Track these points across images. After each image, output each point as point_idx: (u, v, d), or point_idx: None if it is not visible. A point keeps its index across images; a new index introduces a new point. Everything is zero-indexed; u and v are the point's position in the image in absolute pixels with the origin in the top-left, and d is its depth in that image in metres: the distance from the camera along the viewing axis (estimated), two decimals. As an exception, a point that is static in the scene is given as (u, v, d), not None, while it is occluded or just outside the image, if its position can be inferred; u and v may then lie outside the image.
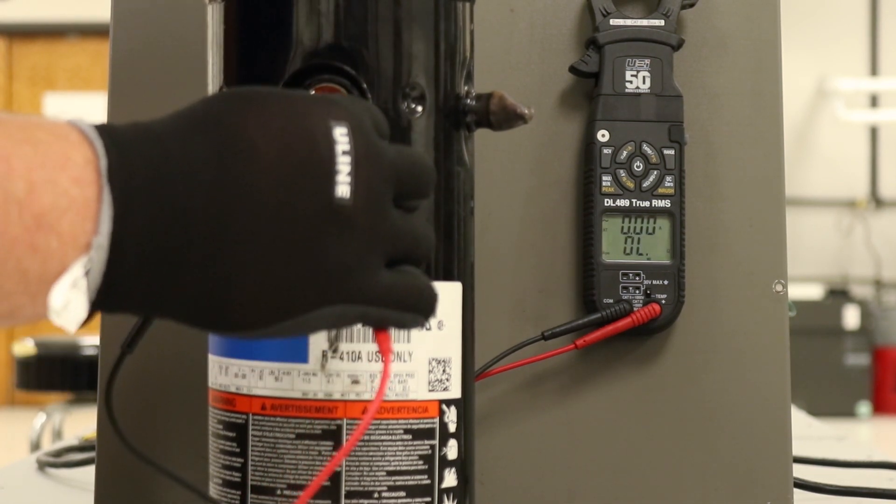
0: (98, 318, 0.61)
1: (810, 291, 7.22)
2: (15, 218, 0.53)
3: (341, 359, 0.70)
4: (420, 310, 0.63)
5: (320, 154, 0.59)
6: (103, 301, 0.57)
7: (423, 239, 0.63)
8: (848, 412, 7.14)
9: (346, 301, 0.60)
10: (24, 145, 0.54)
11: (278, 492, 0.70)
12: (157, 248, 0.56)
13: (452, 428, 0.73)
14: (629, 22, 0.98)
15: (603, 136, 0.97)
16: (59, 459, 1.23)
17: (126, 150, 0.57)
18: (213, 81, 0.74)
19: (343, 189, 0.59)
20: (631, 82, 0.98)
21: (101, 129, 0.57)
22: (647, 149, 0.97)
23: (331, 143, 0.59)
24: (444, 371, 0.73)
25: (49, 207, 0.54)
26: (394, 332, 0.70)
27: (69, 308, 0.54)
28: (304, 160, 0.59)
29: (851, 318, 7.23)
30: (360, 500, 0.70)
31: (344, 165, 0.59)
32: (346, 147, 0.60)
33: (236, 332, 0.59)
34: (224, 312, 0.58)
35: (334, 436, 0.70)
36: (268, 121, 0.59)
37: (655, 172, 0.97)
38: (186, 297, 0.58)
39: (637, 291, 0.97)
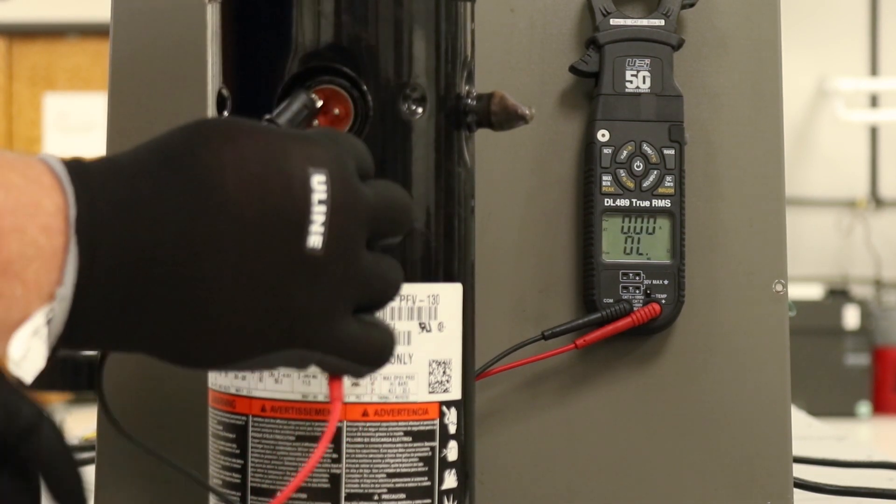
0: None
1: (810, 291, 7.21)
2: None
3: (341, 360, 0.70)
4: (376, 363, 0.63)
5: (294, 204, 0.58)
6: (64, 344, 0.57)
7: (392, 283, 0.63)
8: (848, 412, 7.14)
9: (307, 347, 0.60)
10: None
11: (278, 493, 0.70)
12: (121, 296, 0.57)
13: (453, 429, 0.73)
14: (629, 22, 0.98)
15: (603, 135, 0.97)
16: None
17: (96, 196, 0.56)
18: (212, 81, 0.74)
19: (315, 239, 0.59)
20: (631, 82, 0.98)
21: (73, 171, 0.56)
22: (647, 149, 0.97)
23: (307, 192, 0.59)
24: (444, 373, 0.73)
25: (16, 255, 0.54)
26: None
27: (28, 357, 0.54)
28: (278, 209, 0.58)
29: (851, 318, 7.23)
30: (360, 503, 0.70)
31: (318, 215, 0.59)
32: (323, 196, 0.59)
33: (198, 368, 0.60)
34: (186, 352, 0.59)
35: (334, 438, 0.70)
36: (244, 164, 0.58)
37: (655, 172, 0.97)
38: (149, 339, 0.58)
39: (637, 291, 0.97)
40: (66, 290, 0.55)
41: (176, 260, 0.57)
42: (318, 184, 0.59)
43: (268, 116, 0.68)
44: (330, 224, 0.59)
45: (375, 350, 0.62)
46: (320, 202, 0.59)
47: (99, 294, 0.56)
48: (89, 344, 0.58)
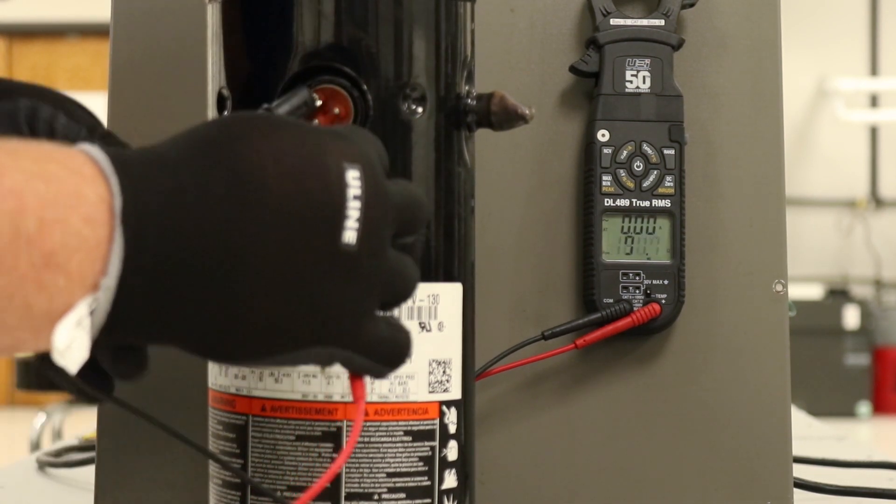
0: None
1: (810, 291, 7.22)
2: (24, 255, 0.53)
3: (341, 359, 0.70)
4: (395, 365, 0.63)
5: (332, 198, 0.59)
6: (106, 336, 0.57)
7: (410, 281, 0.64)
8: (848, 412, 7.14)
9: (337, 345, 0.60)
10: (36, 181, 0.53)
11: (278, 493, 0.70)
12: (165, 287, 0.56)
13: (453, 429, 0.73)
14: (629, 22, 0.98)
15: (603, 135, 0.97)
16: (59, 459, 1.23)
17: (140, 187, 0.56)
18: (212, 81, 0.74)
19: (350, 235, 0.59)
20: (631, 82, 0.98)
21: (116, 161, 0.56)
22: (647, 148, 0.97)
23: (343, 186, 0.59)
24: (444, 372, 0.73)
25: (59, 246, 0.53)
26: None
27: (72, 347, 0.54)
28: (315, 202, 0.58)
29: (851, 318, 7.23)
30: (360, 502, 0.70)
31: (353, 211, 0.59)
32: (358, 192, 0.59)
33: (231, 363, 0.60)
34: (222, 346, 0.59)
35: (334, 438, 0.70)
36: (283, 157, 0.59)
37: (655, 172, 0.97)
38: (188, 331, 0.58)
39: (637, 291, 0.97)
40: (111, 280, 0.55)
41: (218, 252, 0.57)
42: (353, 179, 0.59)
43: (266, 106, 0.68)
44: (364, 220, 0.59)
45: (397, 353, 0.63)
46: (355, 197, 0.59)
47: (143, 284, 0.56)
48: (128, 337, 0.58)
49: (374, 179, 0.60)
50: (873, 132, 7.88)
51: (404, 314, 0.71)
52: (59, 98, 0.74)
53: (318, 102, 0.69)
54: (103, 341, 0.57)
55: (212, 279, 0.57)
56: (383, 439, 0.71)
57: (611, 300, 0.96)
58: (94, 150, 0.56)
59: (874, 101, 7.87)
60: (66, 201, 0.54)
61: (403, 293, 0.63)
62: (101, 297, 0.55)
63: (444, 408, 0.73)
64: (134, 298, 0.56)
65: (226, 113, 0.73)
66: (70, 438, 1.50)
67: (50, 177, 0.54)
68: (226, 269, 0.57)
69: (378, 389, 0.71)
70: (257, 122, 0.60)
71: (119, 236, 0.55)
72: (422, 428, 0.72)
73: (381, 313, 0.62)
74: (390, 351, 0.62)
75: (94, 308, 0.55)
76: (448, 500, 0.73)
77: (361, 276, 0.60)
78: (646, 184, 0.97)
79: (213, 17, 0.74)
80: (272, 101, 0.69)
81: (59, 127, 0.73)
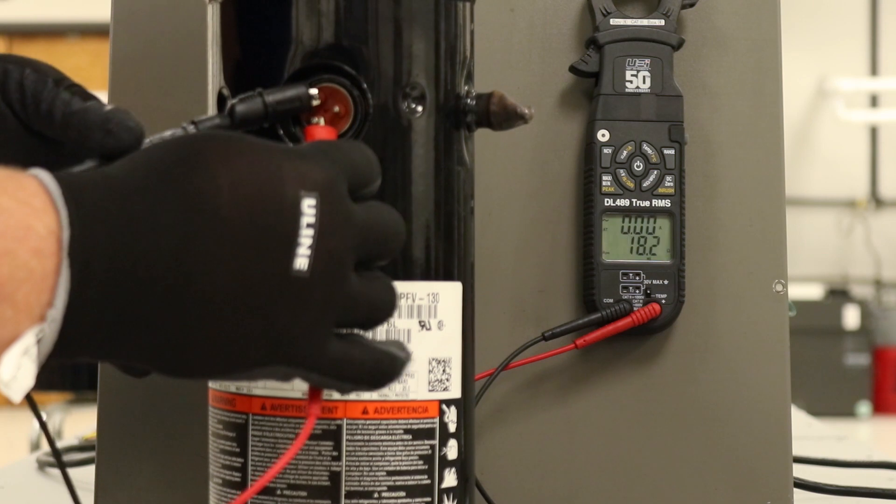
0: None
1: (810, 291, 7.22)
2: None
3: (341, 359, 0.70)
4: (361, 382, 0.64)
5: (284, 226, 0.59)
6: (56, 359, 0.57)
7: (380, 306, 0.64)
8: (848, 412, 7.14)
9: (290, 365, 0.61)
10: None
11: (278, 492, 0.70)
12: (113, 315, 0.57)
13: (452, 428, 0.73)
14: (629, 22, 0.98)
15: (603, 135, 0.97)
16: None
17: (90, 217, 0.57)
18: (212, 81, 0.74)
19: (301, 262, 0.60)
20: (631, 82, 0.98)
21: (68, 190, 0.56)
22: (647, 148, 0.97)
23: (296, 215, 0.60)
24: (444, 371, 0.73)
25: (6, 278, 0.54)
26: (392, 335, 0.70)
27: (17, 377, 0.55)
28: (268, 231, 0.59)
29: (851, 318, 7.23)
30: (360, 501, 0.70)
31: (306, 239, 0.60)
32: (311, 220, 0.60)
33: (185, 379, 0.61)
34: (173, 365, 0.60)
35: (334, 436, 0.70)
36: (238, 185, 0.59)
37: (655, 172, 0.97)
38: (140, 353, 0.59)
39: (637, 291, 0.97)
40: (57, 311, 0.56)
41: (168, 281, 0.58)
42: (308, 207, 0.60)
43: (259, 90, 0.68)
44: (317, 247, 0.60)
45: (357, 370, 0.63)
46: (308, 226, 0.60)
47: (91, 314, 0.57)
48: (82, 357, 0.59)
49: (332, 206, 0.61)
50: (873, 132, 7.88)
51: (404, 313, 0.71)
52: (22, 58, 0.75)
53: (316, 101, 0.70)
54: (53, 364, 0.58)
55: (161, 305, 0.58)
56: (383, 438, 0.71)
57: (611, 300, 0.96)
58: (46, 178, 0.57)
59: (874, 101, 7.87)
60: (15, 234, 0.54)
61: (372, 317, 0.64)
62: (47, 328, 0.56)
63: (444, 406, 0.73)
64: (82, 326, 0.57)
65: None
66: (70, 438, 1.50)
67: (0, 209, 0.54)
68: (175, 296, 0.58)
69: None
70: (216, 147, 0.60)
71: (66, 269, 0.56)
72: (422, 426, 0.72)
73: (362, 333, 0.63)
74: (350, 369, 0.62)
75: (41, 337, 0.56)
76: (448, 498, 0.73)
77: (314, 302, 0.60)
78: (646, 184, 0.97)
79: (213, 16, 0.74)
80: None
81: (28, 84, 0.73)
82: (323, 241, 0.60)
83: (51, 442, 0.76)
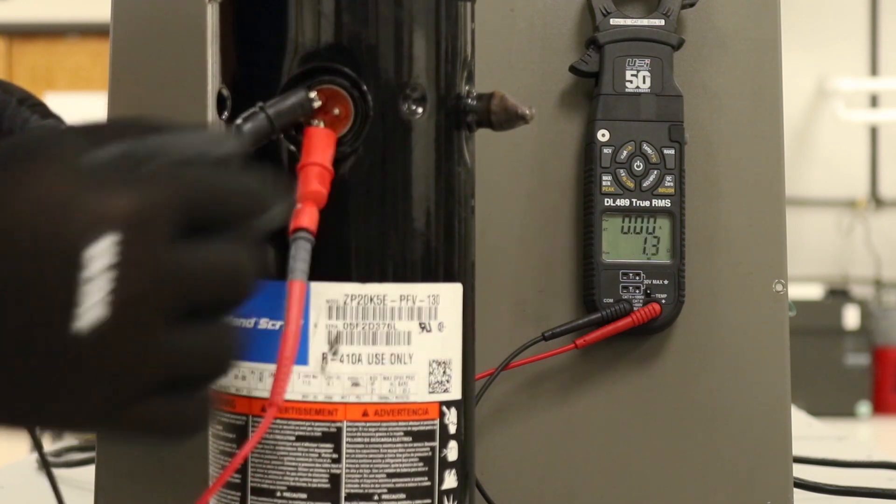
0: None
1: (810, 291, 7.22)
2: None
3: (341, 361, 0.70)
4: (184, 434, 0.57)
5: (60, 282, 0.51)
6: None
7: (213, 359, 0.57)
8: (848, 412, 7.14)
9: (98, 430, 0.56)
10: None
11: (278, 494, 0.70)
12: None
13: (453, 429, 0.73)
14: (629, 22, 0.98)
15: (603, 135, 0.97)
16: (59, 459, 1.23)
17: None
18: (212, 81, 0.74)
19: (84, 321, 0.51)
20: (631, 82, 0.98)
21: None
22: (647, 148, 0.97)
23: (75, 270, 0.51)
24: (444, 373, 0.73)
25: None
26: (387, 337, 0.70)
27: None
28: (40, 289, 0.51)
29: (851, 318, 7.23)
30: (360, 503, 0.70)
31: (91, 292, 0.51)
32: (103, 264, 0.51)
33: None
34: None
35: (334, 438, 0.70)
36: (12, 232, 0.51)
37: (655, 172, 0.97)
38: None
39: (637, 291, 0.97)
40: None
41: None
42: (98, 253, 0.51)
43: (260, 104, 0.68)
44: (111, 300, 0.51)
45: (175, 425, 0.56)
46: (94, 277, 0.51)
47: None
48: None
49: (138, 247, 0.52)
50: (873, 132, 7.88)
51: (405, 314, 0.71)
52: None
53: (317, 104, 0.69)
54: None
55: None
56: (383, 440, 0.71)
57: (611, 300, 0.96)
58: None
59: (874, 101, 7.87)
60: None
61: (200, 371, 0.57)
62: None
63: (444, 408, 0.73)
64: None
65: (226, 114, 0.73)
66: (70, 438, 1.50)
67: None
68: None
69: (378, 390, 0.71)
70: (5, 177, 0.52)
71: None
72: (422, 428, 0.72)
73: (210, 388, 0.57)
74: (168, 426, 0.56)
75: None
76: (448, 500, 0.73)
77: (104, 364, 0.52)
78: (646, 184, 0.97)
79: (213, 16, 0.74)
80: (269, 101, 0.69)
81: None
82: (121, 290, 0.51)
83: (36, 443, 0.75)
